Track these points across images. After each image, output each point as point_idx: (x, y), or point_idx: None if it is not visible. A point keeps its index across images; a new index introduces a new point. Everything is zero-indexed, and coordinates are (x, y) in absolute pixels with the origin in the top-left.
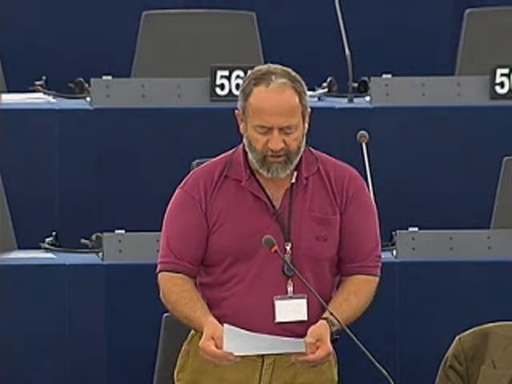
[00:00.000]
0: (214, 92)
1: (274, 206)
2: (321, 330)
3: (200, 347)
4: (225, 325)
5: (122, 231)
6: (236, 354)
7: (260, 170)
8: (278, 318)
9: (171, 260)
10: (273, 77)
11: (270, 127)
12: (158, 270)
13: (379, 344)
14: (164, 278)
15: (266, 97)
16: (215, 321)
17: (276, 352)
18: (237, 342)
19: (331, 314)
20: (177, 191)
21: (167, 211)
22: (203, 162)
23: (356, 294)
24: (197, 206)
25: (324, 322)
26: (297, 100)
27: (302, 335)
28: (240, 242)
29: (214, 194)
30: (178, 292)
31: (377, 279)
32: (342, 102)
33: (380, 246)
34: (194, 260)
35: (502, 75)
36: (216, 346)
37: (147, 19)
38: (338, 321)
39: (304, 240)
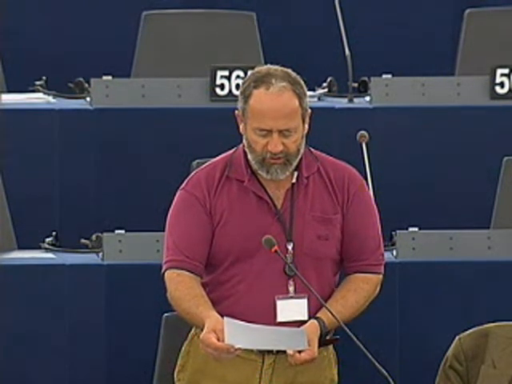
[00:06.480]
0: (214, 92)
1: (275, 206)
2: (309, 331)
3: (201, 339)
4: (225, 317)
5: (122, 231)
6: (237, 346)
7: (259, 171)
8: (279, 318)
9: (181, 258)
10: (273, 80)
11: (269, 130)
12: (165, 268)
13: (379, 344)
14: (171, 276)
15: (266, 100)
16: (217, 315)
17: (276, 346)
18: (238, 334)
19: (330, 313)
20: (178, 192)
21: (170, 212)
22: (203, 162)
23: (355, 291)
24: (201, 205)
25: (315, 321)
26: (296, 103)
27: None
28: (243, 241)
29: (216, 194)
30: (183, 289)
31: (379, 277)
32: (342, 102)
33: (382, 243)
34: (202, 258)
35: (502, 75)
36: (217, 340)
37: (147, 19)
38: (336, 319)
39: (306, 239)
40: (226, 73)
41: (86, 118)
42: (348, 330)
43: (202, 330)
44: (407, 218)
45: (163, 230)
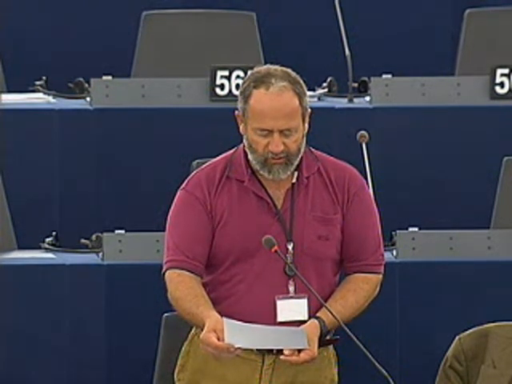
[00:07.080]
0: (214, 92)
1: (275, 206)
2: (309, 331)
3: (201, 339)
4: (224, 318)
5: (122, 231)
6: (237, 345)
7: (261, 172)
8: (279, 318)
9: (182, 258)
10: (273, 79)
11: (270, 130)
12: (165, 268)
13: (379, 344)
14: (172, 276)
15: (266, 100)
16: (217, 315)
17: (276, 346)
18: (237, 334)
19: (330, 313)
20: (179, 192)
21: (171, 212)
22: (203, 162)
23: (354, 291)
24: (202, 205)
25: (315, 321)
26: (297, 102)
27: None
28: (243, 241)
29: (216, 194)
30: (183, 289)
31: (379, 277)
32: (342, 102)
33: (382, 243)
34: (203, 258)
35: (502, 75)
36: (217, 339)
37: (147, 19)
38: (336, 319)
39: (306, 239)
40: (226, 73)
41: (86, 117)
42: (348, 330)
43: (202, 329)
44: (407, 218)
45: (163, 230)
